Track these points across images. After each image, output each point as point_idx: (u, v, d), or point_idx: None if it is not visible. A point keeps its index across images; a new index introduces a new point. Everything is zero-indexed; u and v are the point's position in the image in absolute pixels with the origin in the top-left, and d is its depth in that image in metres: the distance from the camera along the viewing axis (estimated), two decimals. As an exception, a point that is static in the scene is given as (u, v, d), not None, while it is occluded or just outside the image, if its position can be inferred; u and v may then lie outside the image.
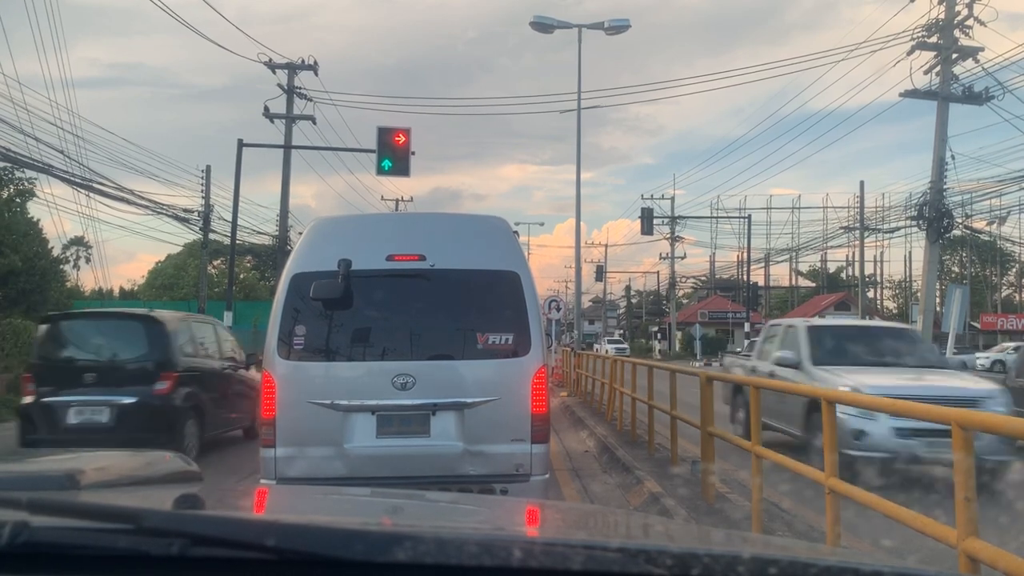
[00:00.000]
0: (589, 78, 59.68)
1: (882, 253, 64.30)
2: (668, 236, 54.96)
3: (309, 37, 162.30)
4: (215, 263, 38.58)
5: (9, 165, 20.52)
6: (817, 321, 11.54)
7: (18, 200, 22.64)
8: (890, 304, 70.28)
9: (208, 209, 26.61)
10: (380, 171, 18.13)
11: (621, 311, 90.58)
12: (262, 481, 5.17)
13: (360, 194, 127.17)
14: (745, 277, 50.93)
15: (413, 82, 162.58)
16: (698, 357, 47.54)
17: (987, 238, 54.17)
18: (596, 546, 1.17)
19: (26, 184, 22.31)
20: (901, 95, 24.25)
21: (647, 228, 45.33)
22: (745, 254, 50.67)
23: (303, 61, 26.43)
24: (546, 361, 5.59)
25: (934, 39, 23.80)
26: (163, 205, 24.81)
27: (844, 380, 8.33)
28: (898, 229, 38.66)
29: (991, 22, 23.75)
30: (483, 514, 1.97)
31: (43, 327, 9.62)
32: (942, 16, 23.63)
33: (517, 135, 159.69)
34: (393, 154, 17.82)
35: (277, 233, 28.11)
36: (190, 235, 30.77)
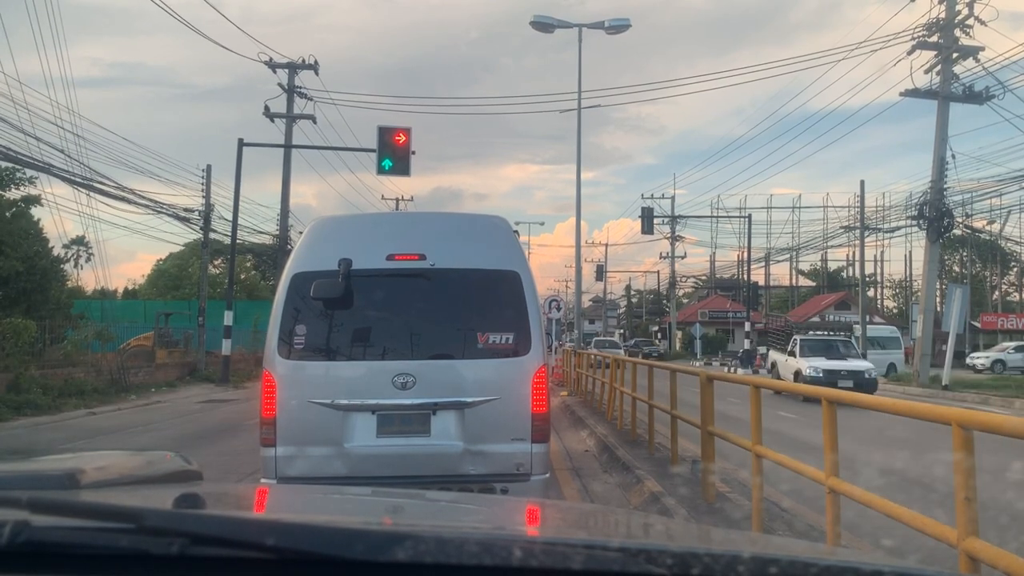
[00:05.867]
0: (592, 78, 59.75)
1: (882, 253, 64.31)
2: (668, 236, 54.96)
3: (311, 37, 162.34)
4: (217, 263, 38.60)
5: (12, 166, 20.48)
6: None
7: (22, 205, 22.60)
8: (890, 303, 70.26)
9: (208, 209, 26.60)
10: (380, 171, 18.15)
11: (621, 310, 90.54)
12: (262, 480, 5.17)
13: (361, 193, 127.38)
14: (745, 277, 50.90)
15: (415, 82, 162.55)
16: (698, 356, 47.52)
17: (987, 238, 54.13)
18: (596, 545, 1.17)
19: (27, 184, 22.29)
20: (902, 94, 24.28)
21: (647, 227, 45.32)
22: (745, 253, 50.67)
23: (304, 61, 26.44)
24: (546, 361, 5.59)
25: (935, 38, 23.79)
26: (164, 205, 24.83)
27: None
28: (898, 229, 38.61)
29: (991, 21, 23.86)
30: (483, 514, 1.97)
31: None
32: (943, 15, 23.62)
33: (518, 135, 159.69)
34: (393, 154, 17.83)
35: (278, 233, 28.12)
36: (191, 235, 30.79)
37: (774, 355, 25.51)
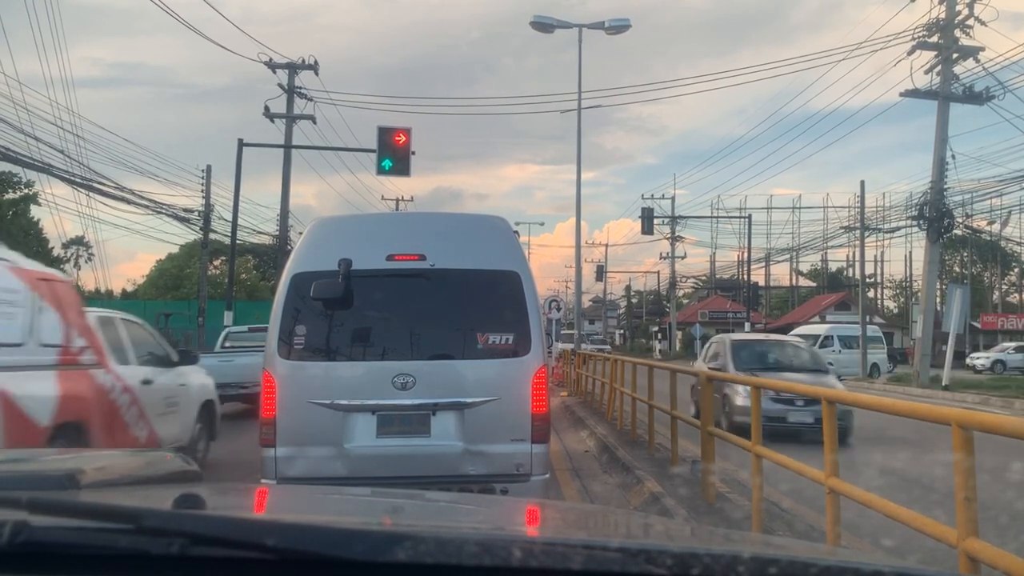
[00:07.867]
0: (593, 78, 59.97)
1: (883, 253, 64.30)
2: (668, 236, 54.94)
3: (312, 37, 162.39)
4: (216, 263, 38.63)
5: (9, 167, 20.53)
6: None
7: (22, 205, 22.68)
8: (891, 304, 70.26)
9: (208, 209, 26.61)
10: (380, 171, 18.12)
11: (621, 311, 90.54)
12: (262, 481, 5.17)
13: (361, 194, 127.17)
14: (745, 277, 50.93)
15: (416, 82, 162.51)
16: (697, 357, 47.46)
17: (988, 238, 54.13)
18: (596, 546, 1.17)
19: (22, 188, 22.35)
20: (902, 95, 24.26)
21: (647, 228, 45.33)
22: (745, 254, 50.69)
23: (304, 61, 26.42)
24: (546, 361, 5.59)
25: (935, 39, 23.79)
26: (163, 205, 24.85)
27: None
28: (898, 229, 38.55)
29: (992, 22, 23.81)
30: (483, 514, 1.97)
31: None
32: (943, 16, 23.61)
33: (519, 135, 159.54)
34: (393, 154, 17.81)
35: (277, 233, 28.11)
36: (191, 235, 30.82)
37: None
